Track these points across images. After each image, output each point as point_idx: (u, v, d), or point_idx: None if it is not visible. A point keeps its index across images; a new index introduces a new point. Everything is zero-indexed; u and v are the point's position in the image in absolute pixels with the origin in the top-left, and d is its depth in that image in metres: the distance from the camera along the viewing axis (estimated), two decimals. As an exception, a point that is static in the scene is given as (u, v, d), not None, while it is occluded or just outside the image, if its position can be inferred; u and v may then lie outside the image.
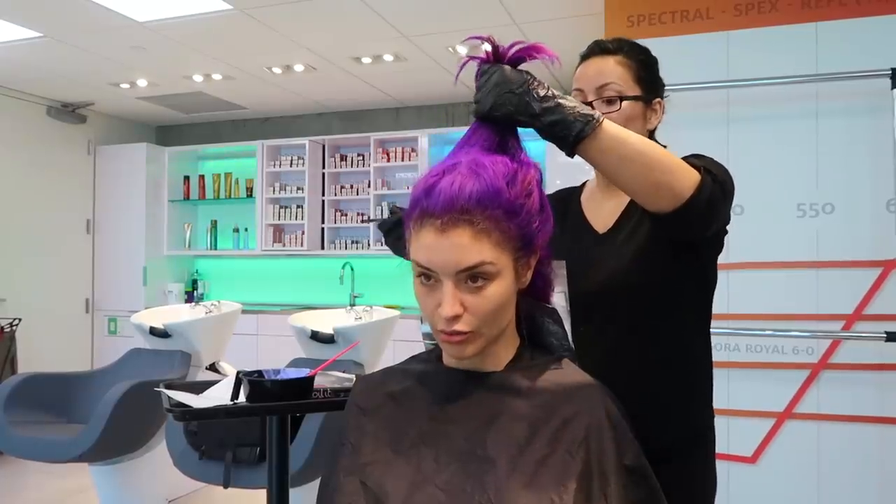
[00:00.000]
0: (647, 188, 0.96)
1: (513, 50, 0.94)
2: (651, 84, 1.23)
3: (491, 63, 0.95)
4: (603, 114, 1.14)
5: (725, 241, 1.19)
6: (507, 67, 0.94)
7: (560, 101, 0.92)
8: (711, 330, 1.26)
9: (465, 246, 0.84)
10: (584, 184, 1.37)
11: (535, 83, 0.92)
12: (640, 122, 1.22)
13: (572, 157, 0.96)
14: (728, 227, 1.17)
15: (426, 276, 0.88)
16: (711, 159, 1.11)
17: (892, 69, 2.41)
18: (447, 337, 0.88)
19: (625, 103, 1.19)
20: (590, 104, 1.18)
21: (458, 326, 0.87)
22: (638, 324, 1.17)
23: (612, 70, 1.20)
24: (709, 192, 0.97)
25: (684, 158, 1.16)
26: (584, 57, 1.25)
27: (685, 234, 1.05)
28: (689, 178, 0.97)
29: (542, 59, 0.95)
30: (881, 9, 2.52)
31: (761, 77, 2.58)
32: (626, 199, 1.22)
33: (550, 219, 0.94)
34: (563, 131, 0.91)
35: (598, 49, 1.23)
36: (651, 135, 1.26)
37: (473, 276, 0.85)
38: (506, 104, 0.91)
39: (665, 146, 1.26)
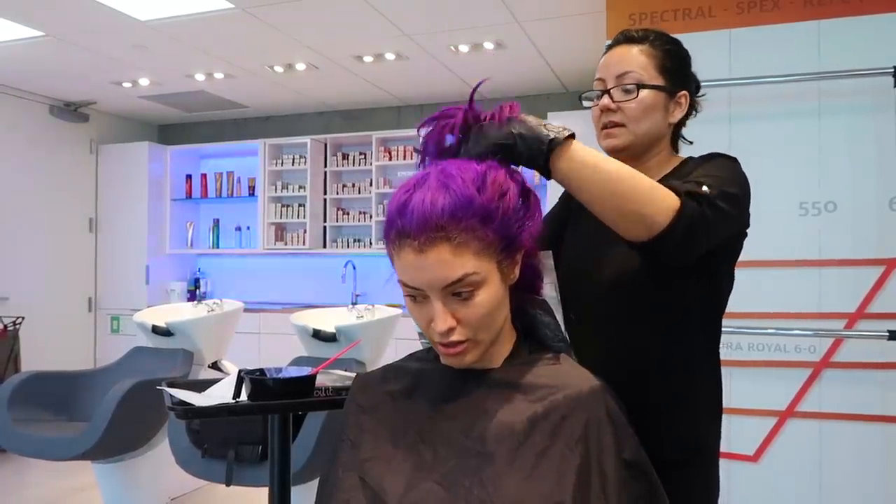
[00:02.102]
0: (617, 216, 0.95)
1: (485, 115, 0.98)
2: (676, 75, 1.18)
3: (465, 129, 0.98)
4: (619, 102, 1.15)
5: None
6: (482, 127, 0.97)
7: (520, 129, 0.95)
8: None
9: (447, 262, 0.84)
10: None
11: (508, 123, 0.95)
12: (661, 114, 1.17)
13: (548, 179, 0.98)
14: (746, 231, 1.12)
15: (413, 294, 0.88)
16: (724, 164, 1.08)
17: (895, 67, 2.41)
18: (445, 349, 0.89)
19: (643, 92, 1.14)
20: (608, 92, 1.16)
21: (454, 337, 0.88)
22: (637, 326, 1.13)
23: (634, 58, 1.16)
24: (688, 221, 0.94)
25: (702, 157, 1.14)
26: (609, 46, 1.22)
27: (664, 262, 1.01)
28: (665, 209, 0.93)
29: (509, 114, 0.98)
30: (883, 7, 2.51)
31: (763, 75, 2.58)
32: None
33: (536, 212, 0.94)
34: (534, 159, 0.94)
35: (622, 38, 1.20)
36: (676, 129, 1.23)
37: (460, 288, 0.86)
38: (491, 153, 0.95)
39: (691, 143, 1.26)
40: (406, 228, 0.85)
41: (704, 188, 0.97)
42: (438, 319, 0.86)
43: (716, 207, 0.97)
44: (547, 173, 0.96)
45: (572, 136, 0.95)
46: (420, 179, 0.88)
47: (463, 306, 0.87)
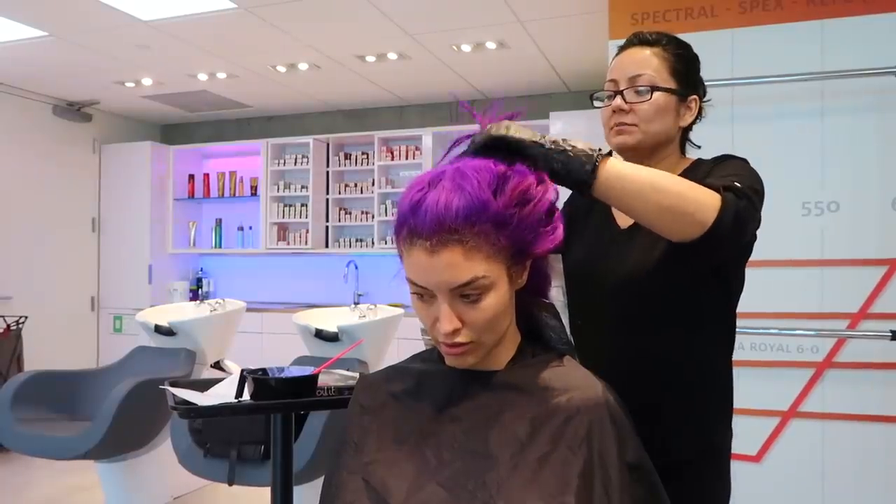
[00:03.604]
0: (666, 219, 0.95)
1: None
2: (687, 79, 1.20)
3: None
4: (632, 103, 1.15)
5: None
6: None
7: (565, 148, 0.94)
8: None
9: (457, 265, 0.83)
10: None
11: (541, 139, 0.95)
12: (673, 117, 1.18)
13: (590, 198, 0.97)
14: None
15: (420, 292, 0.88)
16: (740, 164, 1.09)
17: (898, 67, 2.40)
18: (448, 349, 0.89)
19: (656, 94, 1.15)
20: (621, 93, 1.17)
21: (459, 339, 0.87)
22: (648, 326, 1.13)
23: (648, 61, 1.17)
24: (733, 212, 0.95)
25: (715, 159, 1.15)
26: (622, 48, 1.23)
27: (714, 258, 1.04)
28: (709, 204, 0.95)
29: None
30: (887, 6, 2.51)
31: (766, 75, 2.57)
32: None
33: (556, 227, 0.91)
34: (575, 176, 0.93)
35: (636, 40, 1.21)
36: (685, 133, 1.24)
37: (468, 291, 0.85)
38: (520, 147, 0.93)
39: (699, 147, 1.27)
40: (418, 228, 0.84)
41: (736, 183, 0.99)
42: (444, 320, 0.86)
43: (750, 199, 0.99)
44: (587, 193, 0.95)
45: (609, 154, 0.95)
46: (434, 178, 0.87)
47: (469, 309, 0.86)
